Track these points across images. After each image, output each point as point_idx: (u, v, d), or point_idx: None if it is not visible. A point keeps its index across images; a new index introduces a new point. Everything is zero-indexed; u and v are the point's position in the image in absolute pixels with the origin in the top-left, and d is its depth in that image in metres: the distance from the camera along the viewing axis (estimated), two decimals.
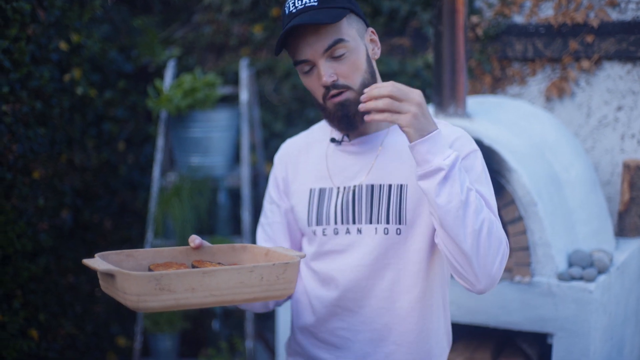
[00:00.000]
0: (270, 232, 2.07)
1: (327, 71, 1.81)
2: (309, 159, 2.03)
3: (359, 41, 1.84)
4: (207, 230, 3.89)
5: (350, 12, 1.83)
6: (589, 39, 3.42)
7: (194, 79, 3.73)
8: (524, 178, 2.78)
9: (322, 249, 1.96)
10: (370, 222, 1.90)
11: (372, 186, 1.91)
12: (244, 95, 3.79)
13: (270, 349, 3.97)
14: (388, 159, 1.91)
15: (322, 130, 2.04)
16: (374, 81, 1.87)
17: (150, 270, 1.70)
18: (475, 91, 3.68)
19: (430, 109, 3.03)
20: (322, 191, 1.97)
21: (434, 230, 1.84)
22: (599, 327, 2.76)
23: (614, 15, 3.40)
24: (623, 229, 3.25)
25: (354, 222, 1.92)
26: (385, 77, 3.69)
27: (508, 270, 2.87)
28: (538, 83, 3.60)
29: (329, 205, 1.95)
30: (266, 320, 4.06)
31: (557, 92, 3.53)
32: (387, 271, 1.90)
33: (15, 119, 3.09)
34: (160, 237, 3.71)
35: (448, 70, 2.96)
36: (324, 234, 1.95)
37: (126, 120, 4.15)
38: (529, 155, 2.91)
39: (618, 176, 3.43)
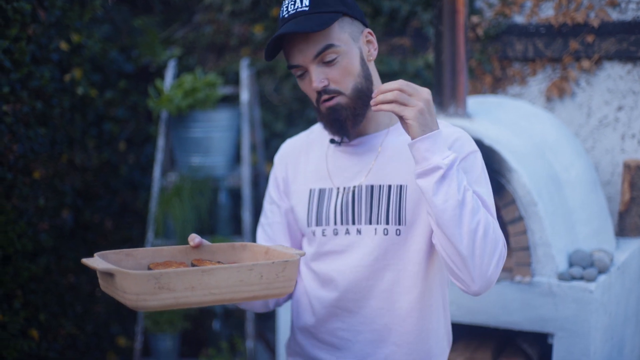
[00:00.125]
0: (271, 233, 2.07)
1: (318, 77, 1.81)
2: (309, 159, 2.02)
3: (351, 45, 1.83)
4: (208, 230, 3.89)
5: (343, 15, 1.83)
6: (590, 39, 3.42)
7: (194, 79, 3.73)
8: (525, 178, 2.78)
9: (321, 250, 1.96)
10: (370, 223, 1.90)
11: (372, 187, 1.91)
12: (245, 95, 3.79)
13: (271, 349, 3.96)
14: (388, 159, 1.91)
15: (322, 131, 2.04)
16: (369, 84, 1.87)
17: (149, 269, 1.70)
18: (475, 91, 3.68)
19: None
20: (321, 191, 1.97)
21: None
22: (600, 327, 2.76)
23: (615, 15, 3.40)
24: (623, 228, 3.24)
25: (353, 223, 1.92)
26: (386, 77, 3.69)
27: (508, 270, 2.87)
28: (538, 83, 3.60)
29: (328, 205, 1.95)
30: (267, 321, 4.05)
31: (558, 92, 3.53)
32: (387, 272, 1.90)
33: (15, 119, 3.09)
34: (161, 237, 3.71)
35: (448, 70, 2.96)
36: (323, 235, 1.95)
37: (127, 120, 4.15)
38: (530, 155, 2.90)
39: (618, 176, 3.43)
